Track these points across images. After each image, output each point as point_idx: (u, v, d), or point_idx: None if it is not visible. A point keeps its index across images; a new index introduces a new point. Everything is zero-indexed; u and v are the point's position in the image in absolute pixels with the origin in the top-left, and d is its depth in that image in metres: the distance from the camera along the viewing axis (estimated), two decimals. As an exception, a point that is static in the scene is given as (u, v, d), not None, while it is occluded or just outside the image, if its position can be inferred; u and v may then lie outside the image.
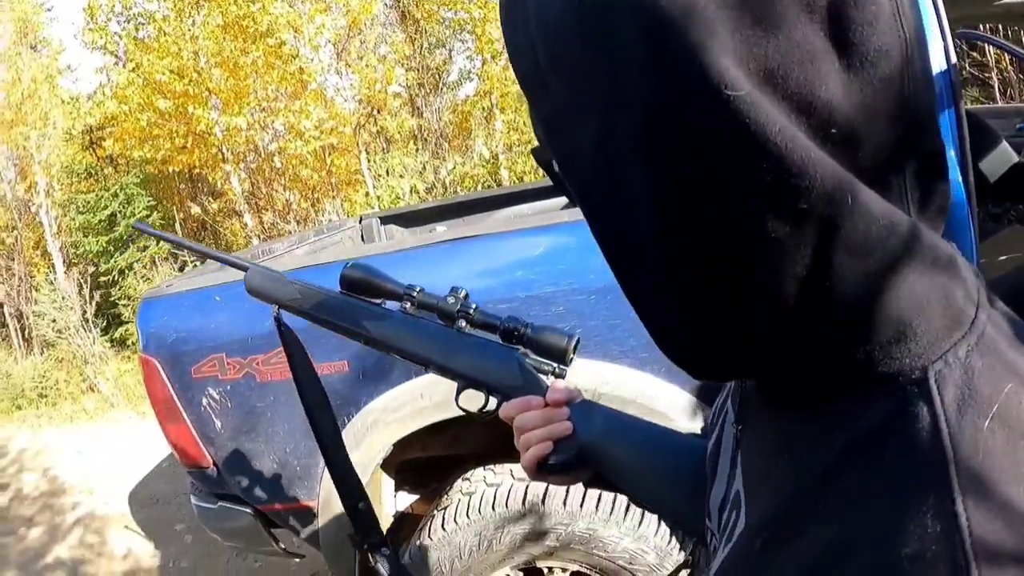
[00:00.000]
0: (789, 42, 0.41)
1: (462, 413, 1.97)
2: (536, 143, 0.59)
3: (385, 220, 4.14)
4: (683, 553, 1.93)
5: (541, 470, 0.94)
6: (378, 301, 1.14)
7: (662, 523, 1.91)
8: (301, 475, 2.13)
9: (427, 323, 1.10)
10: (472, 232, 1.94)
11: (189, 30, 9.82)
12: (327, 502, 2.14)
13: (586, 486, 1.06)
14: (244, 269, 1.25)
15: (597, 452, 0.94)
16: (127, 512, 4.77)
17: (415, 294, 1.10)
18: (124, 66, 10.59)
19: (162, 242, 10.67)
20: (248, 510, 2.26)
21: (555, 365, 1.02)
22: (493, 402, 1.04)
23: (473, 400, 1.06)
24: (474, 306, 1.06)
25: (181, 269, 9.72)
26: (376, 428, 1.98)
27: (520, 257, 1.87)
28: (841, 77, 0.42)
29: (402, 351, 1.10)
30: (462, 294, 1.08)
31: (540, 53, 0.49)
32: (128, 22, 10.44)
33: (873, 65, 0.43)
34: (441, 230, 4.09)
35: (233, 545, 2.43)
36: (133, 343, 9.05)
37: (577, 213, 1.96)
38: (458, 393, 1.08)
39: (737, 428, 0.64)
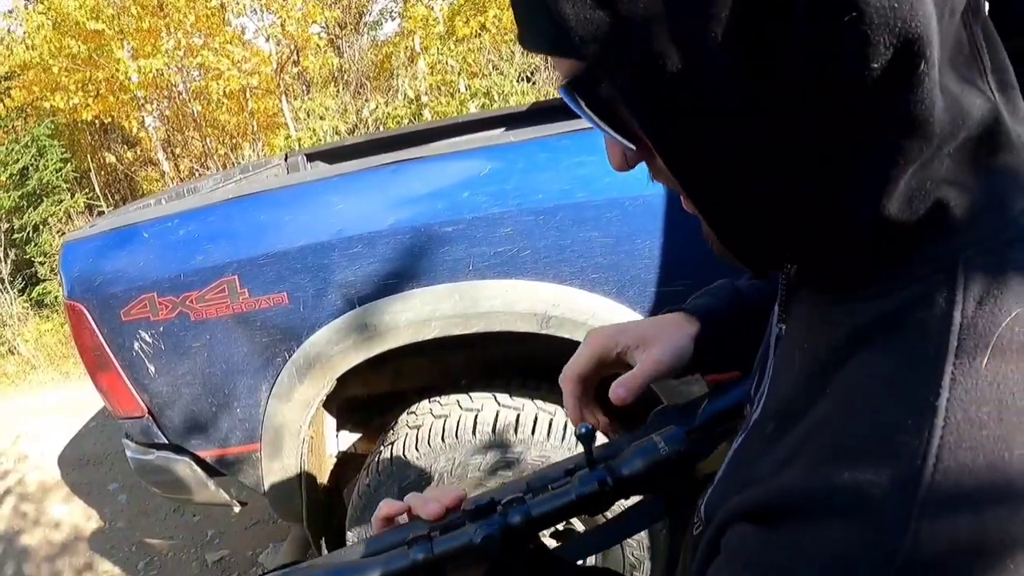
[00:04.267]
0: None
1: (407, 342, 1.90)
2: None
3: (311, 157, 4.00)
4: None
5: None
6: None
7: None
8: (242, 417, 2.04)
9: None
10: (415, 155, 1.85)
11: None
12: (270, 444, 2.06)
13: None
14: None
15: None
16: (58, 476, 4.61)
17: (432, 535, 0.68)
18: (34, 8, 9.98)
19: (76, 195, 10.24)
20: (187, 458, 2.17)
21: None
22: None
23: None
24: (524, 509, 0.68)
25: (98, 222, 9.32)
26: (319, 362, 1.90)
27: (466, 178, 1.79)
28: None
29: None
30: (505, 500, 0.69)
31: None
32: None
33: None
34: (370, 167, 3.98)
35: (171, 498, 2.33)
36: (51, 302, 8.71)
37: (524, 134, 1.89)
38: None
39: (780, 328, 0.63)
